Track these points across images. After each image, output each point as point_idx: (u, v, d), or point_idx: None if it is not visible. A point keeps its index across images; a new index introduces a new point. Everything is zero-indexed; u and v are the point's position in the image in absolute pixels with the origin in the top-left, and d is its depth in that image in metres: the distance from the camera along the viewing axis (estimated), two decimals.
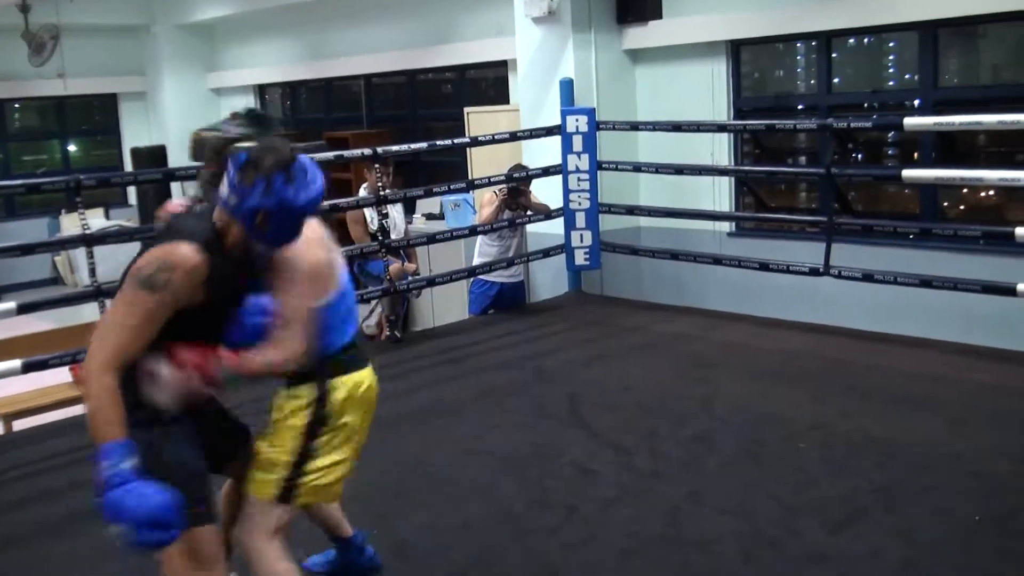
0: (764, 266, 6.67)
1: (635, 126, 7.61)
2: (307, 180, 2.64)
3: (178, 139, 13.04)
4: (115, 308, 2.61)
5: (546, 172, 7.41)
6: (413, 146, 7.23)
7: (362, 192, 7.05)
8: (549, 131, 7.42)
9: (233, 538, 3.05)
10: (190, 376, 2.64)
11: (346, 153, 6.96)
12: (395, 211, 7.22)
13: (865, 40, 7.32)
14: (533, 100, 8.15)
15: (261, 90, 13.37)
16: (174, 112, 13.43)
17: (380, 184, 6.57)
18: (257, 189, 2.57)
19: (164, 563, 2.68)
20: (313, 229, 2.88)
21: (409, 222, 9.20)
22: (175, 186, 12.57)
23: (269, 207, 2.58)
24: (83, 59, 12.34)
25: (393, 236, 6.88)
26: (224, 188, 2.64)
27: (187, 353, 2.65)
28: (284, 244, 2.72)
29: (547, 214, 7.41)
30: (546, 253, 7.53)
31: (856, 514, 3.84)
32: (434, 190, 7.34)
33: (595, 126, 7.32)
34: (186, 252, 2.57)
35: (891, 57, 7.35)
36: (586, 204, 7.37)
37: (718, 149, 7.71)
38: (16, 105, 13.65)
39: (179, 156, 12.08)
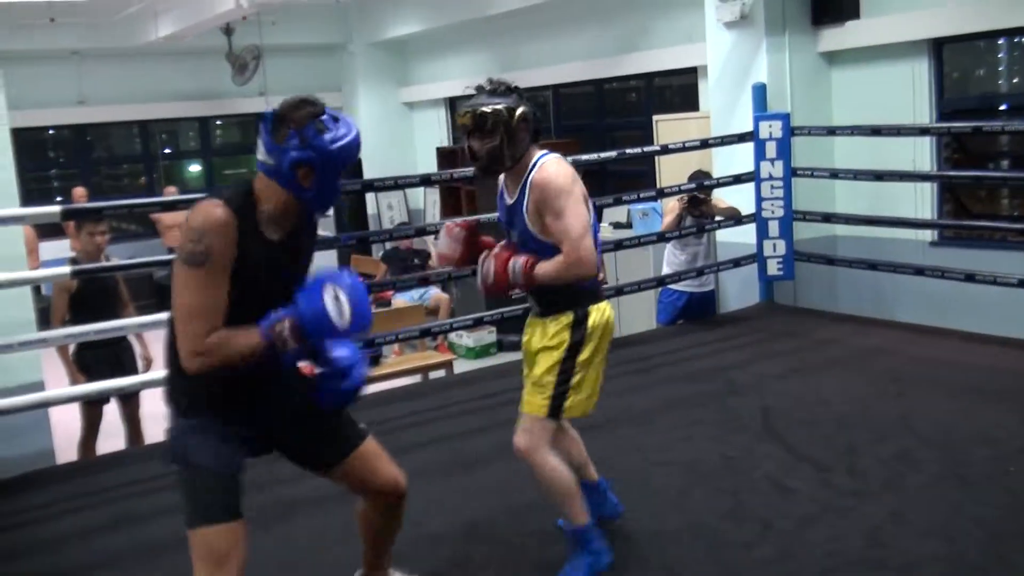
0: (969, 277, 6.33)
1: (832, 131, 7.37)
2: (340, 128, 2.68)
3: (371, 151, 13.50)
4: (177, 294, 2.60)
5: (737, 180, 7.27)
6: (602, 155, 7.22)
7: None
8: (741, 137, 7.28)
9: (384, 553, 3.32)
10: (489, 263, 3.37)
11: None
12: None
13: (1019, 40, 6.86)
14: (724, 106, 8.01)
15: (451, 103, 13.66)
16: (368, 126, 13.88)
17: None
18: (292, 142, 2.62)
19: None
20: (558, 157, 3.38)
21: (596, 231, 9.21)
22: (370, 196, 13.11)
23: (309, 159, 2.62)
24: (283, 77, 12.92)
25: None
26: (260, 152, 2.68)
27: (497, 248, 3.41)
28: (329, 203, 2.76)
29: (738, 219, 7.26)
30: (737, 263, 7.39)
31: None
32: (623, 199, 7.31)
33: (789, 131, 7.13)
34: (209, 209, 2.58)
35: None
36: (780, 212, 7.19)
37: (919, 154, 7.38)
38: (219, 122, 14.42)
39: (373, 168, 12.51)
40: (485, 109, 3.42)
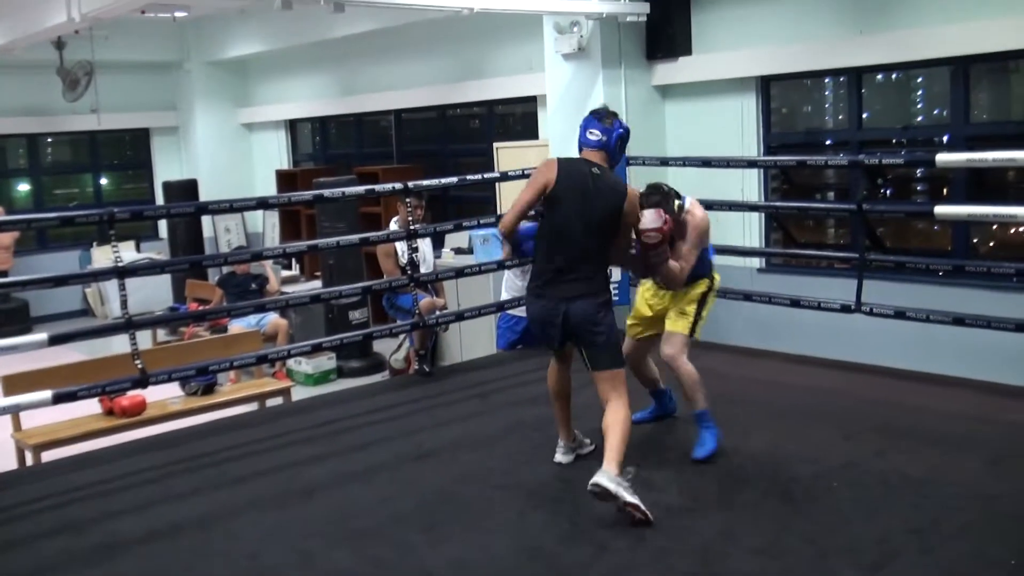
0: (795, 303, 6.63)
1: (664, 161, 7.60)
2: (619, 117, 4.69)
3: (209, 173, 13.21)
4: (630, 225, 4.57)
5: None
6: (443, 180, 7.26)
7: (392, 226, 7.08)
8: None
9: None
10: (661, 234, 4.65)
11: (377, 187, 6.97)
12: (425, 245, 7.24)
13: (895, 76, 7.30)
14: (562, 135, 8.16)
15: (292, 125, 13.49)
16: (205, 147, 13.60)
17: (410, 219, 6.60)
18: (616, 125, 4.57)
19: (611, 385, 4.50)
20: (700, 208, 5.10)
21: (438, 256, 9.23)
22: (206, 219, 12.78)
23: (624, 134, 4.60)
24: (116, 94, 12.52)
25: (422, 270, 6.89)
26: (589, 135, 4.57)
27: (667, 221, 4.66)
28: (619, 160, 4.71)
29: None
30: None
31: (890, 556, 3.78)
32: (463, 224, 7.35)
33: (625, 161, 7.31)
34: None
35: (921, 92, 7.33)
36: None
37: (747, 185, 7.69)
38: (49, 140, 13.82)
39: (210, 190, 12.21)
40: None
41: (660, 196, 4.76)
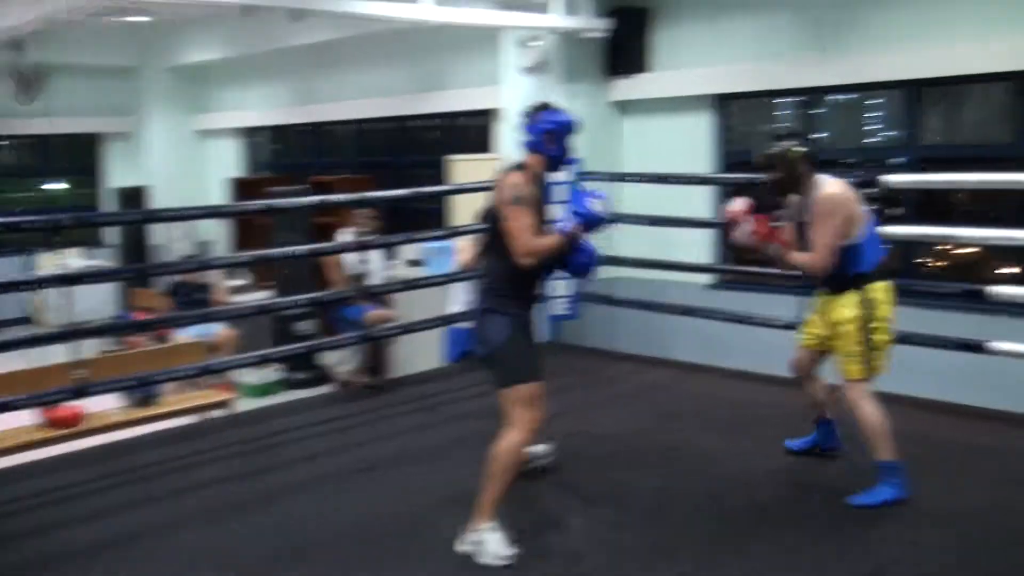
0: (740, 319, 6.64)
1: (621, 177, 7.60)
2: (558, 111, 4.17)
3: (163, 180, 13.04)
4: (511, 224, 3.97)
5: None
6: (396, 192, 7.20)
7: (342, 236, 7.01)
8: None
9: None
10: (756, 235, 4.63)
11: (328, 198, 6.90)
12: (375, 257, 7.17)
13: (849, 97, 7.35)
14: (519, 149, 8.14)
15: (248, 133, 13.37)
16: (159, 153, 13.44)
17: (359, 230, 6.54)
18: (541, 119, 4.13)
19: (509, 407, 4.02)
20: (839, 184, 4.48)
21: (389, 268, 9.15)
22: (157, 227, 12.59)
23: (551, 128, 4.10)
24: (70, 98, 12.35)
25: (372, 282, 6.82)
26: (523, 138, 4.16)
27: (761, 223, 4.64)
28: (565, 161, 4.18)
29: None
30: None
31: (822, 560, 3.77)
32: (416, 237, 7.29)
33: (581, 176, 7.29)
34: (519, 175, 4.06)
35: (875, 114, 7.39)
36: None
37: (701, 201, 7.70)
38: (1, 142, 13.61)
39: (163, 197, 12.04)
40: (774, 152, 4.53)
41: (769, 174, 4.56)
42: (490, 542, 3.91)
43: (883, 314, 4.46)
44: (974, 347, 5.57)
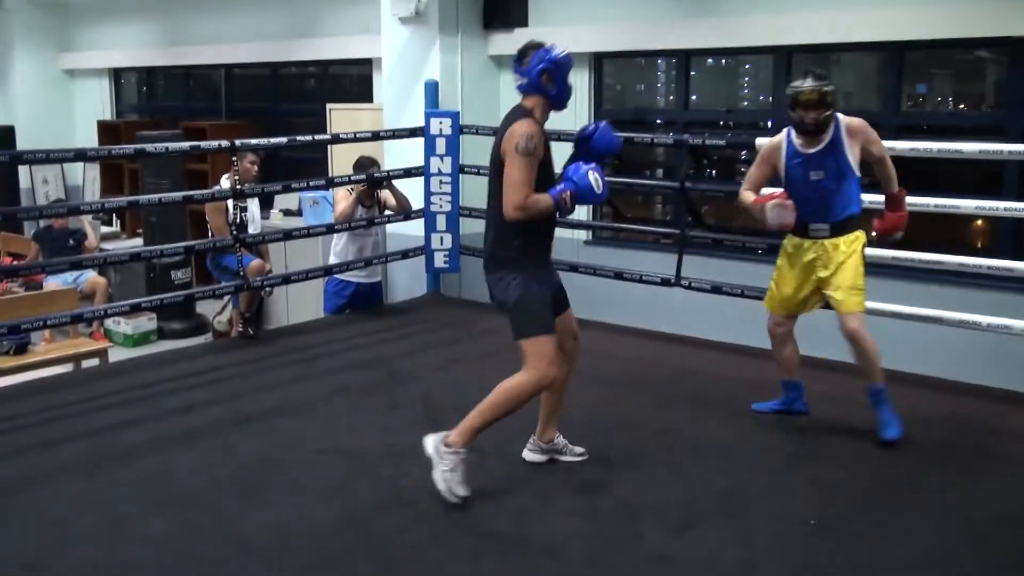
0: (618, 275, 6.81)
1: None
2: (551, 48, 4.02)
3: (27, 121, 12.53)
4: (512, 172, 3.90)
5: (408, 173, 7.39)
6: (272, 140, 7.11)
7: (224, 182, 6.92)
8: (412, 132, 7.41)
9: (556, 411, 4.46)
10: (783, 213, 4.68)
11: (202, 144, 6.79)
12: (253, 206, 7.10)
13: (723, 61, 7.56)
14: (397, 100, 8.13)
15: (116, 74, 12.94)
16: (24, 92, 12.90)
17: (236, 177, 6.45)
18: (534, 60, 3.98)
19: (525, 357, 4.01)
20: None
21: (265, 218, 9.06)
22: (22, 170, 12.12)
23: (546, 67, 3.97)
24: None
25: (250, 231, 6.76)
26: (517, 81, 4.06)
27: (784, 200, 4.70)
28: (568, 95, 4.08)
29: (407, 214, 7.38)
30: (405, 254, 7.52)
31: (698, 517, 3.96)
32: (292, 186, 7.24)
33: (459, 129, 7.34)
34: (530, 122, 3.94)
35: (747, 79, 7.61)
36: (447, 207, 7.39)
37: None
38: None
39: (28, 139, 11.59)
40: (828, 89, 4.53)
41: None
42: (454, 472, 3.95)
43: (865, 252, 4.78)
44: None
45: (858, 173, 4.69)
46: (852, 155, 4.65)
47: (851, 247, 4.68)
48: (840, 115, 4.65)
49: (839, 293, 4.66)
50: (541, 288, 4.06)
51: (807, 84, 4.55)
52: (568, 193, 3.95)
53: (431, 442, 4.01)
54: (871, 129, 4.68)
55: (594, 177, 3.99)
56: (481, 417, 4.00)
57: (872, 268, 4.94)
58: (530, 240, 4.05)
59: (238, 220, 6.49)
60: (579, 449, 4.51)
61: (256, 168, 6.76)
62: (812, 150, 4.68)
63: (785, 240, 4.91)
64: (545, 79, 3.97)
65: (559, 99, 4.04)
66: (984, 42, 6.26)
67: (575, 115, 7.82)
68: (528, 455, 4.48)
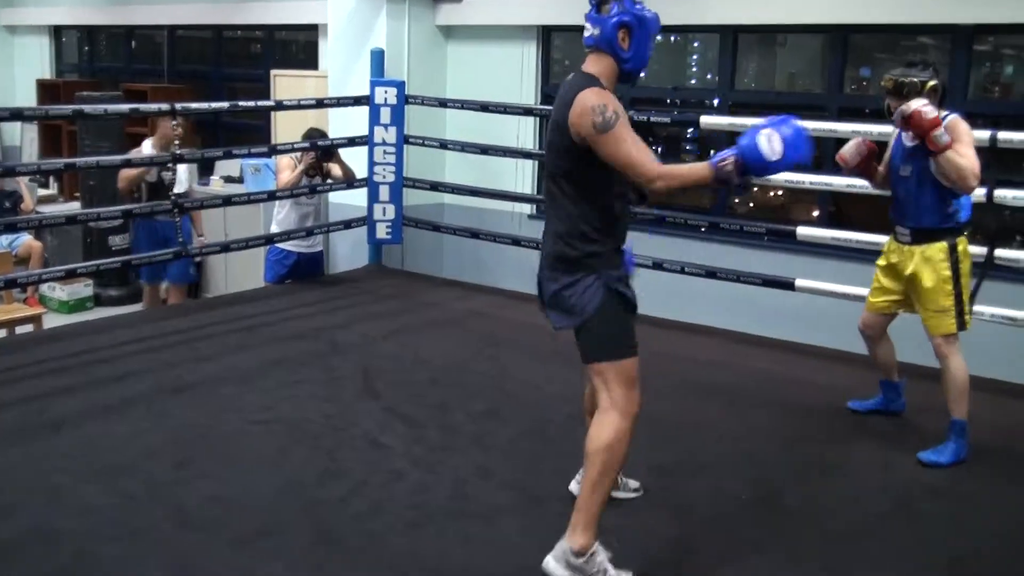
0: None
1: (443, 103, 7.62)
2: (646, 7, 3.27)
3: None
4: (615, 151, 3.07)
5: (352, 142, 7.33)
6: (215, 105, 7.01)
7: (147, 145, 6.81)
8: (357, 100, 7.34)
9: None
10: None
11: (142, 106, 6.66)
12: (183, 171, 7.03)
13: (671, 38, 7.58)
14: (342, 68, 8.05)
15: (57, 32, 12.63)
16: None
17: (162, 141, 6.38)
18: (614, 10, 3.21)
19: (604, 384, 3.27)
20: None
21: (205, 184, 8.95)
22: None
23: (628, 21, 3.19)
24: None
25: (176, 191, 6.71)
26: (587, 32, 3.26)
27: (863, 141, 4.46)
28: (643, 65, 3.30)
29: (350, 184, 7.33)
30: (347, 224, 7.47)
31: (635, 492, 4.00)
32: (234, 152, 7.14)
33: (404, 99, 7.30)
34: (596, 89, 3.14)
35: (695, 56, 7.65)
36: (391, 177, 7.35)
37: (524, 132, 7.83)
38: None
39: None
40: (904, 80, 4.25)
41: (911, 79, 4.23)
42: (610, 571, 3.20)
43: (968, 267, 4.35)
44: (785, 284, 5.93)
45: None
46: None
47: (929, 261, 4.31)
48: (953, 116, 4.22)
49: (925, 314, 4.38)
50: (625, 295, 3.31)
51: (892, 72, 4.33)
52: (732, 159, 3.03)
53: (556, 563, 3.17)
54: (963, 129, 4.20)
55: (767, 135, 3.01)
56: (595, 494, 3.18)
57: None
58: (612, 233, 3.30)
59: (160, 181, 6.40)
60: (634, 484, 3.95)
61: (179, 130, 6.61)
62: (910, 144, 4.35)
63: (889, 237, 4.60)
64: (622, 35, 3.20)
65: (633, 66, 3.26)
66: (927, 28, 6.35)
67: (521, 90, 7.81)
68: (575, 486, 3.75)
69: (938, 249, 4.29)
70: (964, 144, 4.14)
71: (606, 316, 3.24)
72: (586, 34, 3.27)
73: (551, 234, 3.32)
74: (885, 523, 3.82)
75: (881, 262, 4.63)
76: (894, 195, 4.49)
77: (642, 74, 3.38)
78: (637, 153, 3.07)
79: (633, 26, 3.19)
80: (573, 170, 3.22)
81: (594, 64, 3.25)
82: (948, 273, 4.27)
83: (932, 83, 4.24)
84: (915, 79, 4.25)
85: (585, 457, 3.23)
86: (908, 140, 4.37)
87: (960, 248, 4.30)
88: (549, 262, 3.34)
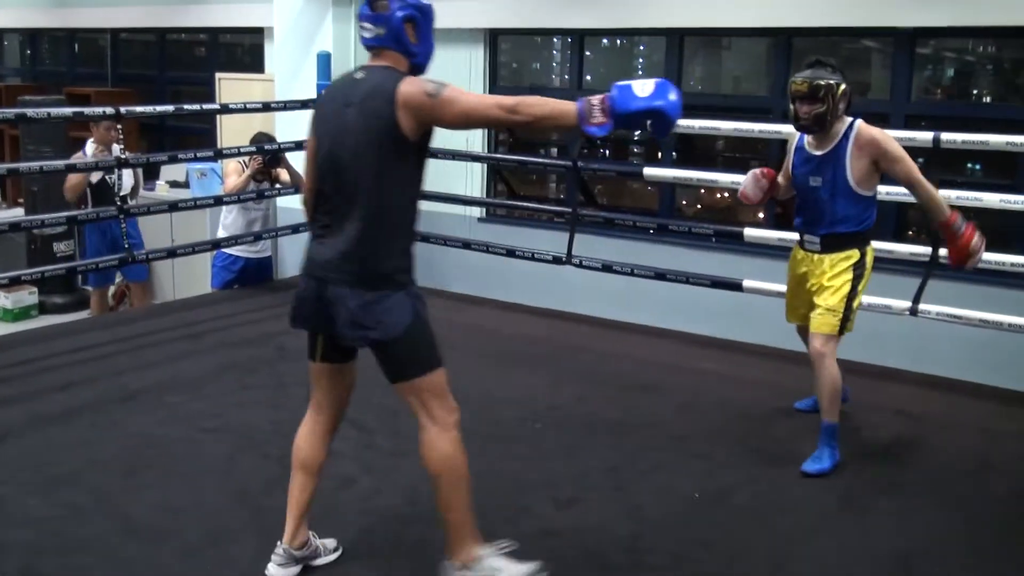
0: (511, 252, 6.84)
1: None
2: None
3: None
4: (457, 99, 2.95)
5: (299, 146, 7.26)
6: (159, 108, 6.93)
7: (89, 147, 6.73)
8: (304, 104, 7.28)
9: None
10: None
11: (86, 110, 6.56)
12: (127, 175, 6.96)
13: (618, 41, 7.62)
14: (289, 71, 7.99)
15: None
16: None
17: (99, 146, 6.31)
18: (393, 6, 3.01)
19: (420, 402, 3.14)
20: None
21: (150, 188, 8.84)
22: None
23: (412, 15, 3.04)
24: None
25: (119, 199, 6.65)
26: (369, 32, 3.05)
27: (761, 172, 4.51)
28: (430, 57, 3.16)
29: (298, 189, 7.27)
30: (295, 229, 7.41)
31: (586, 491, 4.03)
32: (179, 156, 7.07)
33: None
34: (414, 79, 2.99)
35: (640, 60, 7.70)
36: None
37: (472, 136, 7.82)
38: None
39: None
40: (820, 83, 4.12)
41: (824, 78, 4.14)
42: (504, 570, 3.18)
43: (867, 279, 4.34)
44: (733, 285, 5.97)
45: (862, 191, 4.25)
46: (854, 169, 4.20)
47: (836, 267, 4.29)
48: (859, 123, 4.23)
49: (815, 309, 4.33)
50: (425, 309, 3.18)
51: (801, 74, 4.18)
52: (601, 96, 2.85)
53: None
54: (891, 146, 4.16)
55: (641, 82, 2.84)
56: (454, 512, 3.18)
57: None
58: (412, 246, 3.14)
59: (103, 184, 6.34)
60: (331, 543, 3.52)
61: (116, 133, 6.50)
62: (817, 152, 4.29)
63: (794, 246, 4.59)
64: (409, 30, 3.03)
65: (423, 59, 3.13)
66: (870, 31, 6.44)
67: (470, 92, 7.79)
68: (274, 570, 3.29)
69: (846, 256, 4.28)
70: (907, 161, 4.15)
71: (416, 332, 3.12)
72: (367, 35, 3.07)
73: (346, 246, 3.00)
74: (832, 521, 3.88)
75: (790, 272, 4.60)
76: (802, 204, 4.41)
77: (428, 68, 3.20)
78: (479, 98, 3.04)
79: (418, 18, 3.06)
80: (390, 170, 2.97)
81: (382, 58, 3.08)
82: (849, 277, 4.26)
83: (844, 87, 4.15)
84: (831, 82, 4.13)
85: (431, 480, 3.17)
86: (813, 149, 4.31)
87: (868, 258, 4.31)
88: (348, 276, 3.01)
